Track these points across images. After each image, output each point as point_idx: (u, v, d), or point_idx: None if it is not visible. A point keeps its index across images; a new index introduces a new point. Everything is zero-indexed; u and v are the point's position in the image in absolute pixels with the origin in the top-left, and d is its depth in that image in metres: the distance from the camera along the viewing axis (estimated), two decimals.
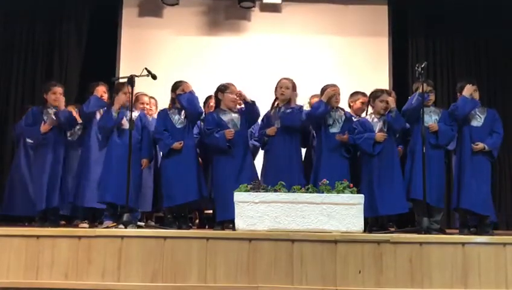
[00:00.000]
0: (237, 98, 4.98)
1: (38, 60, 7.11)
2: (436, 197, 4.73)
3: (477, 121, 4.88)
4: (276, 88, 5.06)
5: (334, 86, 5.03)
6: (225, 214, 4.60)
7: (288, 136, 4.96)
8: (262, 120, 5.13)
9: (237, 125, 4.91)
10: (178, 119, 4.92)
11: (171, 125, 4.93)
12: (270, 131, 4.98)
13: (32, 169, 5.21)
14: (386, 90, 5.14)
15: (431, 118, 4.91)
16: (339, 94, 5.05)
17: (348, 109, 5.33)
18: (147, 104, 5.52)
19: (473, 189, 4.71)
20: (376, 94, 5.03)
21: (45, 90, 5.22)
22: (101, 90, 5.29)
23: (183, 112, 4.94)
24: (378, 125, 4.91)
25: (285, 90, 4.99)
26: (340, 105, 5.09)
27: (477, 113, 4.91)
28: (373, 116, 5.01)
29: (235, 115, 4.96)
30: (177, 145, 4.80)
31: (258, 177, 4.91)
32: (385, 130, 4.88)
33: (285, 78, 5.05)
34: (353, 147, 4.92)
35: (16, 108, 6.78)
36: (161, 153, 5.14)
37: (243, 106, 5.31)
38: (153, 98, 5.72)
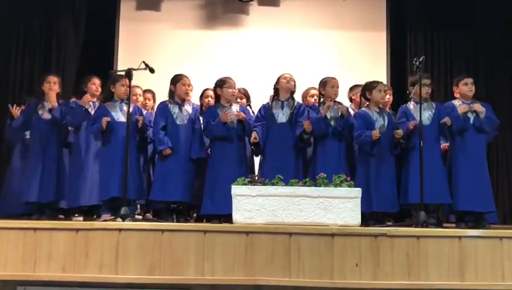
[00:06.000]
0: (236, 92, 4.98)
1: (36, 53, 7.09)
2: (437, 194, 4.68)
3: (472, 116, 4.84)
4: (279, 81, 5.02)
5: (333, 78, 5.03)
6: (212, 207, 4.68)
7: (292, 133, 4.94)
8: (260, 111, 5.05)
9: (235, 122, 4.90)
10: (178, 114, 4.91)
11: (171, 121, 4.92)
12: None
13: (27, 163, 5.19)
14: (380, 82, 5.10)
15: (424, 115, 4.84)
16: (338, 87, 5.04)
17: (347, 103, 5.32)
18: (140, 95, 5.49)
19: (471, 187, 4.69)
20: (372, 85, 4.94)
21: (41, 82, 5.19)
22: (97, 84, 5.28)
23: (184, 107, 4.94)
24: (379, 121, 4.87)
25: (291, 82, 4.99)
26: (338, 99, 5.05)
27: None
28: (372, 109, 4.92)
29: (235, 109, 4.95)
30: (167, 151, 4.83)
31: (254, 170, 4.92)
32: (385, 125, 4.84)
33: (288, 73, 5.04)
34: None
35: (13, 103, 6.74)
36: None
37: (244, 100, 5.32)
38: (150, 91, 5.69)
